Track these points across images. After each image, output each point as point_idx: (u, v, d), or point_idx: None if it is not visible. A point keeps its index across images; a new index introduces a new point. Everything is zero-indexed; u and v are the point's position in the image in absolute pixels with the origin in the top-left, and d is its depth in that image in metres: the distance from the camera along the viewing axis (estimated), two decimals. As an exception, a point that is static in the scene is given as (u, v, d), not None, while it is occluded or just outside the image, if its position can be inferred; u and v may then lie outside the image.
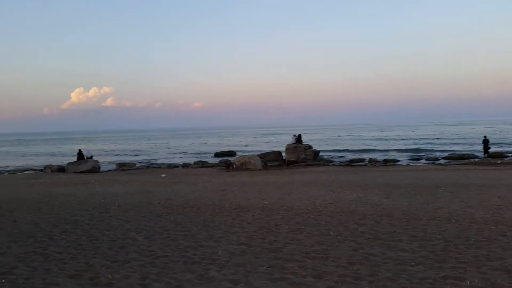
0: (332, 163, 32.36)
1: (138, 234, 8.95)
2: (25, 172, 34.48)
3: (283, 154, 32.14)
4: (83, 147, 48.79)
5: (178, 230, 9.24)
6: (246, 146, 66.45)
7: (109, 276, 6.20)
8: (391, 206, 11.72)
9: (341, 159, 36.80)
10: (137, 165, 37.13)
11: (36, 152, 70.39)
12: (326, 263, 6.63)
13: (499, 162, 27.62)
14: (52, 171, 32.16)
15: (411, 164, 31.56)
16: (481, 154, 32.93)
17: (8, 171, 35.91)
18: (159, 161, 42.91)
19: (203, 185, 18.66)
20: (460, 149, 44.28)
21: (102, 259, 7.16)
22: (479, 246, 7.35)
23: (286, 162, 30.71)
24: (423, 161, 34.05)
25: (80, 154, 32.91)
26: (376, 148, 50.71)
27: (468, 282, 5.59)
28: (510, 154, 33.51)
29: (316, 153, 33.27)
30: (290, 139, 33.13)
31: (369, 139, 70.81)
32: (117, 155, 57.00)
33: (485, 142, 31.27)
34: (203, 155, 48.75)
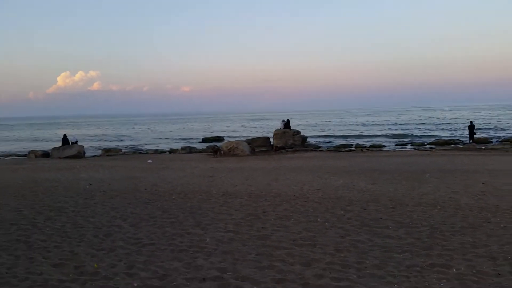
0: (320, 149, 32.48)
1: (124, 222, 8.84)
2: (8, 158, 33.84)
3: (271, 139, 32.12)
4: (68, 132, 48.11)
5: (165, 217, 9.15)
6: (234, 131, 66.27)
7: (95, 265, 6.10)
8: (378, 192, 11.79)
9: (329, 145, 36.96)
10: (123, 150, 36.79)
11: (20, 137, 69.23)
12: (313, 251, 6.62)
13: (483, 147, 28.04)
14: (36, 157, 31.65)
15: (397, 149, 31.85)
16: (466, 140, 33.37)
17: (-10, 156, 35.20)
18: (145, 147, 42.55)
19: (191, 171, 18.54)
20: (446, 134, 44.83)
21: (87, 247, 7.05)
22: (464, 233, 7.42)
23: (274, 147, 30.71)
24: (409, 146, 34.41)
25: (65, 139, 32.40)
26: (363, 133, 51.01)
27: (455, 270, 5.64)
28: (494, 140, 34.05)
29: (304, 138, 33.34)
30: (278, 125, 33.08)
31: (356, 125, 71.18)
32: (103, 140, 56.41)
33: (471, 127, 31.64)
34: (191, 141, 48.51)
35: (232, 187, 13.19)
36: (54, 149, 32.05)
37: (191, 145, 37.79)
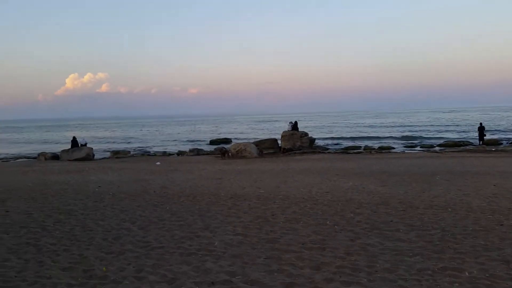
0: (328, 151, 32.34)
1: (133, 224, 8.84)
2: (18, 160, 34.19)
3: (279, 141, 32.05)
4: (77, 134, 48.45)
5: (174, 220, 9.14)
6: (241, 133, 66.33)
7: (104, 268, 6.10)
8: (387, 195, 11.68)
9: (337, 147, 36.80)
10: (132, 152, 36.94)
11: (29, 139, 69.90)
12: (323, 254, 6.56)
13: (493, 149, 27.71)
14: (46, 159, 31.91)
15: (406, 151, 31.63)
16: (476, 141, 33.02)
17: (0, 159, 35.55)
18: (154, 149, 42.70)
19: (199, 173, 18.55)
20: (455, 136, 44.42)
21: (96, 250, 7.05)
22: (477, 236, 7.31)
23: (282, 149, 30.63)
24: (418, 148, 34.14)
25: (74, 142, 32.64)
26: (371, 135, 50.73)
27: (467, 273, 5.54)
28: (504, 141, 33.66)
29: (312, 140, 33.21)
30: (286, 126, 33.00)
31: (364, 126, 70.87)
32: (112, 142, 56.75)
33: (481, 129, 31.30)
34: (198, 143, 48.59)
35: (241, 190, 13.15)
36: (63, 151, 32.29)
37: (199, 147, 37.83)
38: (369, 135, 50.47)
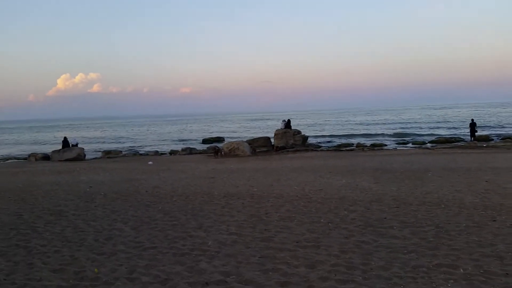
0: (321, 149, 32.40)
1: (125, 225, 8.73)
2: (8, 161, 33.81)
3: (272, 139, 32.02)
4: (69, 134, 48.03)
5: (166, 220, 9.05)
6: (234, 132, 66.21)
7: (95, 270, 6.00)
8: (380, 192, 11.68)
9: (329, 144, 36.87)
10: (123, 152, 36.70)
11: (20, 140, 69.18)
12: (318, 252, 6.52)
13: (485, 145, 27.95)
14: (36, 159, 31.58)
15: (398, 148, 31.79)
16: (467, 138, 33.27)
17: (-10, 160, 35.11)
18: (145, 148, 42.49)
19: (191, 172, 18.44)
20: (446, 132, 44.70)
21: (88, 251, 6.94)
22: (470, 232, 7.31)
23: (275, 147, 30.62)
24: (410, 145, 34.31)
25: (65, 142, 32.34)
26: (363, 132, 50.87)
27: (462, 270, 5.53)
28: (495, 137, 33.95)
29: (305, 138, 33.25)
30: (278, 125, 32.99)
31: (356, 124, 71.07)
32: (103, 142, 56.34)
33: (472, 125, 31.54)
34: (191, 142, 48.41)
35: (234, 188, 13.08)
36: (54, 151, 31.97)
37: (191, 146, 37.69)
38: (361, 133, 50.59)
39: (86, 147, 36.26)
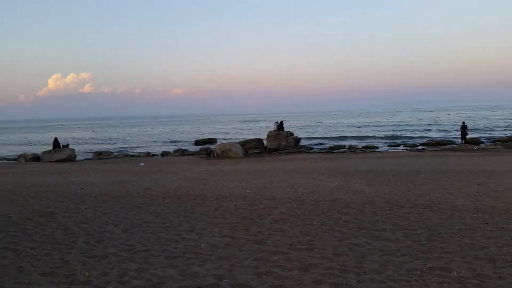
0: (313, 150, 32.45)
1: (116, 227, 8.63)
2: (-3, 162, 33.34)
3: (264, 141, 32.00)
4: (59, 135, 47.57)
5: (158, 222, 8.96)
6: (226, 133, 66.13)
7: (86, 273, 5.90)
8: (373, 194, 11.70)
9: (321, 146, 36.95)
10: (115, 153, 36.46)
11: (9, 141, 68.39)
12: (311, 255, 6.48)
13: (475, 148, 28.20)
14: (26, 160, 31.23)
15: (390, 150, 31.95)
16: (458, 140, 33.52)
17: (-21, 160, 34.65)
18: (137, 150, 42.24)
19: (184, 174, 18.34)
20: (437, 135, 45.06)
21: (79, 254, 6.83)
22: (463, 235, 7.33)
23: (268, 149, 30.59)
24: (401, 147, 34.52)
25: (56, 142, 32.03)
26: (355, 134, 51.09)
27: (455, 273, 5.53)
28: (486, 140, 34.26)
29: (297, 140, 33.27)
30: (271, 126, 32.98)
31: (348, 126, 71.37)
32: (94, 143, 55.91)
33: (463, 128, 31.77)
34: (183, 143, 48.23)
35: (227, 190, 13.02)
36: (44, 152, 31.65)
37: (183, 148, 37.54)
38: (352, 135, 50.83)
39: (77, 148, 35.95)
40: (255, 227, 8.36)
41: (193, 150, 35.67)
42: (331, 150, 32.70)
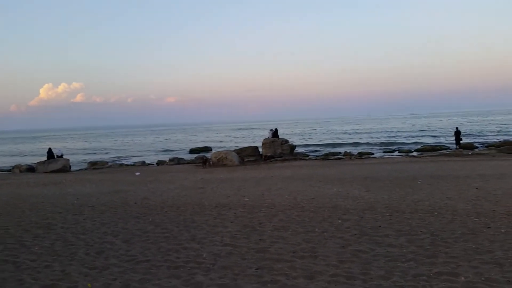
0: (308, 157, 32.43)
1: (115, 238, 8.52)
2: (-10, 173, 32.93)
3: (260, 149, 31.96)
4: (53, 145, 47.21)
5: (158, 232, 8.86)
6: (221, 141, 66.01)
7: (88, 285, 5.80)
8: (372, 200, 11.68)
9: (317, 153, 36.96)
10: (110, 163, 36.18)
11: (2, 152, 67.72)
12: (316, 262, 6.43)
13: (470, 153, 28.35)
14: (20, 171, 30.92)
15: (385, 156, 31.99)
16: (452, 146, 33.70)
17: (-28, 172, 34.19)
18: (132, 159, 41.99)
19: (180, 182, 18.22)
20: (431, 141, 45.28)
21: (79, 266, 6.72)
22: (466, 239, 7.32)
23: (263, 157, 30.55)
24: (396, 153, 34.60)
25: (50, 153, 31.76)
26: (350, 141, 51.19)
27: (463, 278, 5.50)
28: (479, 145, 34.48)
29: (293, 147, 33.27)
30: (266, 134, 32.98)
31: (342, 133, 71.56)
32: (88, 153, 55.50)
33: (457, 133, 31.95)
34: (178, 152, 48.05)
35: (225, 198, 12.94)
36: (39, 163, 31.36)
37: (179, 156, 37.37)
38: (347, 142, 50.93)
39: (70, 158, 35.65)
40: (256, 235, 8.29)
41: (189, 159, 35.53)
42: (326, 156, 32.71)
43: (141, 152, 53.11)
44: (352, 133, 68.35)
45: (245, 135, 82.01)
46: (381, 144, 45.16)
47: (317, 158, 32.09)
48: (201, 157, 31.98)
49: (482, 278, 5.47)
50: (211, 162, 28.05)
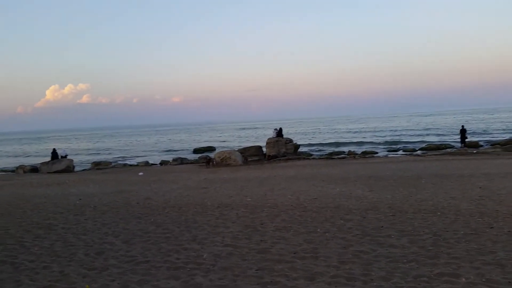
0: (312, 157, 32.36)
1: (116, 238, 8.49)
2: (-5, 174, 33.10)
3: (264, 148, 31.90)
4: (57, 146, 47.41)
5: (159, 232, 8.83)
6: (224, 141, 66.03)
7: (87, 286, 5.77)
8: (375, 200, 11.59)
9: (321, 153, 36.87)
10: (113, 163, 36.28)
11: (7, 152, 68.13)
12: (316, 263, 6.37)
13: (475, 151, 28.15)
14: (24, 172, 31.04)
15: (389, 155, 31.84)
16: (457, 144, 33.48)
17: (-23, 173, 34.40)
18: (135, 159, 42.06)
19: (183, 182, 18.20)
20: (435, 139, 45.02)
21: (78, 266, 6.70)
22: (469, 240, 7.23)
23: (267, 156, 30.49)
24: (400, 152, 34.41)
25: (54, 153, 31.88)
26: (354, 140, 50.99)
27: (464, 279, 5.42)
28: (484, 144, 34.23)
29: (297, 146, 33.19)
30: (269, 133, 32.92)
31: (345, 132, 71.37)
32: (92, 153, 55.69)
33: (463, 132, 31.69)
34: (182, 152, 48.10)
35: (227, 199, 12.89)
36: (43, 163, 31.48)
37: (182, 156, 37.38)
38: (351, 141, 50.73)
39: (75, 159, 35.77)
40: (257, 235, 8.24)
41: (192, 159, 35.55)
42: (330, 156, 32.61)
43: (144, 152, 53.20)
44: (356, 132, 68.12)
45: (248, 135, 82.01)
46: (386, 143, 44.97)
47: (320, 157, 32.00)
48: (205, 157, 31.96)
49: (483, 279, 5.38)
50: (214, 162, 28.02)
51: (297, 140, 41.87)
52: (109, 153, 53.79)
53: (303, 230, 8.45)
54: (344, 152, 35.28)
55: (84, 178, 22.80)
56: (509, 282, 5.30)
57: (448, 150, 31.28)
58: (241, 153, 30.19)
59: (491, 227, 8.02)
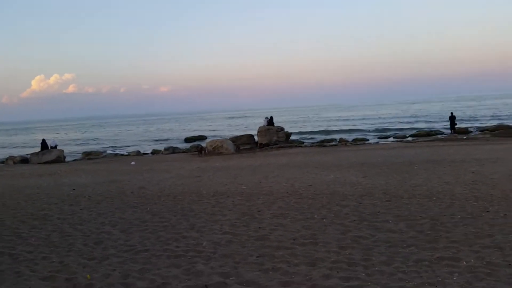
0: (304, 145, 32.43)
1: (113, 228, 8.43)
2: (-17, 165, 32.60)
3: (255, 137, 31.87)
4: (45, 136, 46.80)
5: (156, 221, 8.78)
6: (215, 130, 65.77)
7: (88, 276, 5.72)
8: (370, 186, 11.67)
9: (312, 140, 36.94)
10: (104, 153, 35.94)
11: (-6, 143, 67.07)
12: (316, 249, 6.39)
13: (465, 137, 28.46)
14: (14, 163, 30.59)
15: (380, 142, 32.03)
16: (446, 131, 33.81)
17: (-36, 164, 33.82)
18: (126, 149, 41.71)
19: (177, 171, 18.12)
20: (425, 126, 45.36)
21: (78, 256, 6.64)
22: (466, 224, 7.32)
23: (259, 145, 30.48)
24: (391, 139, 34.64)
25: (44, 144, 31.49)
26: (344, 128, 51.14)
27: (465, 263, 5.49)
28: (474, 130, 34.62)
29: (288, 135, 33.23)
30: (260, 122, 32.86)
31: (336, 120, 71.50)
32: (81, 144, 55.07)
33: (452, 118, 32.00)
34: (173, 141, 47.83)
35: (222, 187, 12.87)
36: (33, 154, 31.06)
37: (174, 146, 37.18)
38: (342, 128, 50.88)
39: (65, 149, 35.34)
40: (255, 223, 8.25)
41: (184, 148, 35.38)
42: (322, 143, 32.71)
43: (134, 141, 52.80)
44: (346, 120, 68.32)
45: (238, 123, 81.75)
46: (376, 130, 45.20)
47: (312, 145, 32.10)
48: (197, 145, 31.84)
49: (484, 262, 5.46)
50: (206, 151, 27.93)
51: (288, 128, 41.85)
52: (98, 143, 53.21)
53: (300, 217, 8.48)
54: (335, 139, 35.41)
55: (76, 168, 22.57)
56: (510, 264, 5.37)
57: (438, 136, 31.61)
58: (233, 141, 30.14)
59: (487, 211, 8.13)
